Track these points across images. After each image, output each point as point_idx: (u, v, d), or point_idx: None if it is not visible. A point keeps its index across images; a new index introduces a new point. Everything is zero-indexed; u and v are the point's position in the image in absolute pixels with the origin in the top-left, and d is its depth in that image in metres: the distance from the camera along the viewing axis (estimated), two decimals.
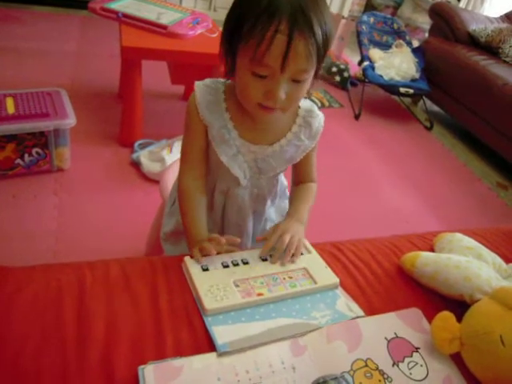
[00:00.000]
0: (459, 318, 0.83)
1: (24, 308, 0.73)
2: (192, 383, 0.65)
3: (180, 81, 2.35)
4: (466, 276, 0.89)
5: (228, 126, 0.91)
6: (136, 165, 2.01)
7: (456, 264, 0.92)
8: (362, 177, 2.45)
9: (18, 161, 1.83)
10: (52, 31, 3.22)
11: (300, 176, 1.05)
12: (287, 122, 0.95)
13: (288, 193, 1.15)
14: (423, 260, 0.96)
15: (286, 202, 1.15)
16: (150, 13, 2.14)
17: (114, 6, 2.12)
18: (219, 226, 1.06)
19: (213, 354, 0.70)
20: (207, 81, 0.93)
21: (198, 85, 0.92)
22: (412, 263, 0.97)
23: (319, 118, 0.99)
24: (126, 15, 2.06)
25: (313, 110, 0.98)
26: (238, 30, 0.77)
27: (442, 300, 0.90)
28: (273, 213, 1.13)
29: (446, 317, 0.83)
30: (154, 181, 1.92)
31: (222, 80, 0.94)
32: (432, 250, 1.08)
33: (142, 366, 0.65)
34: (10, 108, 1.79)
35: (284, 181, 1.13)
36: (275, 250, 0.89)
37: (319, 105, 3.04)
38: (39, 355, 0.66)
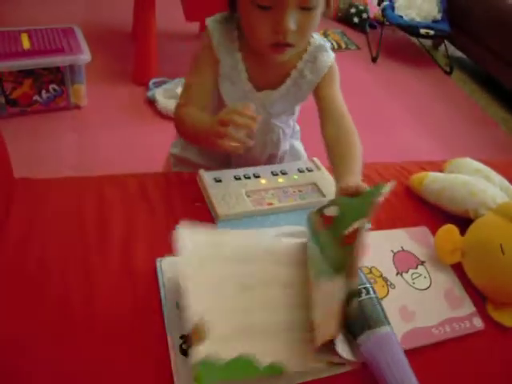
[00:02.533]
0: (463, 233, 0.86)
1: (48, 213, 0.78)
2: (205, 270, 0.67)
3: (194, 17, 2.31)
4: (472, 191, 0.91)
5: (238, 67, 0.86)
6: (151, 102, 2.03)
7: (463, 181, 0.94)
8: (377, 119, 2.43)
9: (36, 97, 1.86)
10: None
11: (327, 112, 0.90)
12: (292, 62, 0.88)
13: (299, 133, 1.12)
14: (431, 178, 0.98)
15: (299, 142, 1.13)
16: None
17: None
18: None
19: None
20: (218, 17, 0.86)
21: (212, 21, 0.86)
22: (420, 182, 0.99)
23: (328, 54, 0.90)
24: None
25: (323, 46, 0.90)
26: None
27: (448, 218, 0.93)
28: (288, 154, 1.09)
29: (449, 229, 0.86)
30: (169, 118, 1.94)
31: (233, 15, 0.85)
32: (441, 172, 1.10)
33: (160, 259, 0.70)
34: (26, 44, 1.80)
35: (296, 124, 1.09)
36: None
37: (336, 47, 2.99)
38: (63, 253, 0.71)
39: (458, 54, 3.30)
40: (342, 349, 0.60)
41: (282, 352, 0.59)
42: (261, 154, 1.01)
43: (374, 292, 0.67)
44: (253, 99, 0.88)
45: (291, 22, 0.71)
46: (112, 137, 1.85)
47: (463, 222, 0.89)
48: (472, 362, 0.71)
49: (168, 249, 0.73)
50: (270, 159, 1.04)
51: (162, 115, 1.98)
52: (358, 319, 0.63)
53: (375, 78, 2.83)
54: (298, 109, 1.00)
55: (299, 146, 1.14)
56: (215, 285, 0.63)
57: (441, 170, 1.11)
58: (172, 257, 0.70)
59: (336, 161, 0.83)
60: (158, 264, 0.69)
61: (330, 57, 0.90)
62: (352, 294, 0.59)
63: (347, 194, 0.70)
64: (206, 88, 0.87)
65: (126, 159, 1.75)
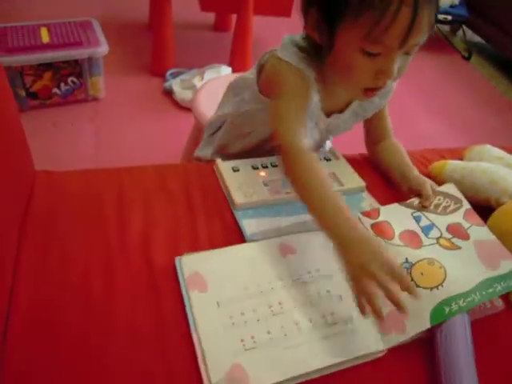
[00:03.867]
0: (485, 222, 0.85)
1: (68, 207, 0.79)
2: (223, 268, 0.70)
3: (210, 7, 2.31)
4: (493, 179, 0.89)
5: (315, 99, 0.80)
6: (168, 93, 2.04)
7: (483, 169, 0.92)
8: (395, 106, 2.39)
9: (55, 90, 1.88)
10: None
11: (378, 131, 0.98)
12: None
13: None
14: (451, 167, 0.97)
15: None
16: None
17: None
18: None
19: (243, 245, 0.74)
20: (295, 51, 0.78)
21: (287, 53, 0.77)
22: (440, 171, 0.98)
23: None
24: None
25: None
26: None
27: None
28: None
29: None
30: (186, 108, 1.95)
31: (304, 40, 0.79)
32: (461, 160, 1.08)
33: (179, 257, 0.70)
34: (45, 37, 1.82)
35: None
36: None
37: None
38: (84, 248, 0.72)
39: (477, 38, 3.23)
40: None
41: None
42: None
43: None
44: (320, 124, 0.88)
45: (396, 69, 0.69)
46: (130, 128, 1.87)
47: (485, 210, 0.87)
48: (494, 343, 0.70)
49: (188, 242, 0.74)
50: None
51: (179, 106, 1.99)
52: None
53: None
54: None
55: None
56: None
57: (461, 158, 1.09)
58: (191, 254, 0.71)
59: (393, 167, 0.92)
60: (177, 262, 0.69)
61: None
62: None
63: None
64: (304, 112, 0.78)
65: (144, 150, 1.76)
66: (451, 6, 2.99)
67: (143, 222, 0.76)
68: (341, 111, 0.88)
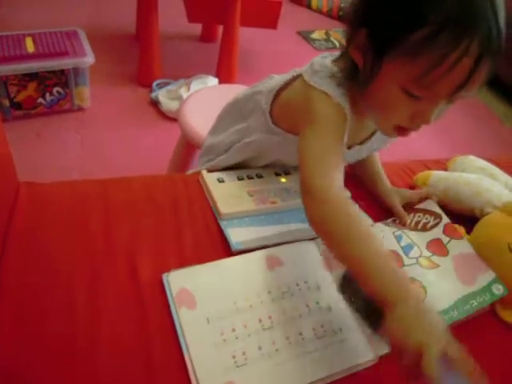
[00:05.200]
0: (469, 232, 0.86)
1: (52, 218, 0.78)
2: (211, 283, 0.69)
3: (197, 18, 2.32)
4: (477, 191, 0.91)
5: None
6: (155, 104, 2.04)
7: (466, 180, 0.93)
8: None
9: (40, 100, 1.87)
10: None
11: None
12: None
13: None
14: (435, 178, 0.98)
15: None
16: None
17: None
18: None
19: (230, 259, 0.74)
20: (329, 81, 0.70)
21: (321, 82, 0.70)
22: (424, 181, 0.99)
23: None
24: None
25: None
26: (402, 31, 0.57)
27: (454, 217, 0.92)
28: None
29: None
30: (172, 119, 1.95)
31: (335, 76, 0.71)
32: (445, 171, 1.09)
33: (166, 274, 0.69)
34: (30, 47, 1.81)
35: None
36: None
37: (338, 46, 2.98)
38: (69, 260, 0.71)
39: None
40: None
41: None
42: None
43: None
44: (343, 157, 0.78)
45: (434, 116, 0.64)
46: (115, 138, 1.86)
47: (469, 220, 0.88)
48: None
49: (174, 255, 0.74)
50: None
51: (165, 116, 1.99)
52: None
53: None
54: None
55: None
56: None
57: (445, 169, 1.11)
58: (178, 270, 0.70)
59: (375, 177, 0.94)
60: (164, 279, 0.69)
61: None
62: None
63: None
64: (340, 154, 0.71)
65: (130, 160, 1.76)
66: None
67: (129, 235, 0.76)
68: (361, 143, 0.82)
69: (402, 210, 0.89)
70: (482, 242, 0.82)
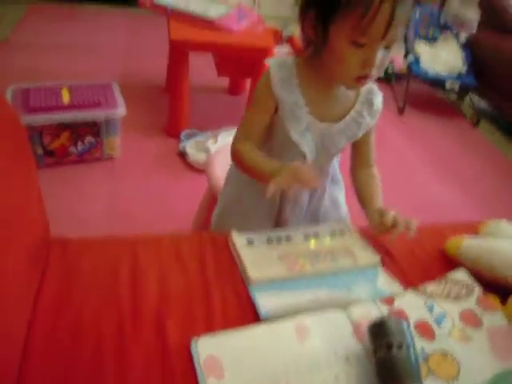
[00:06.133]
0: (504, 302, 0.84)
1: (83, 277, 0.79)
2: (239, 352, 0.68)
3: (225, 73, 2.40)
4: (511, 259, 0.88)
5: (299, 103, 0.91)
6: (182, 155, 2.08)
7: (500, 248, 0.91)
8: (404, 171, 2.43)
9: (72, 148, 1.92)
10: (102, 28, 3.34)
11: (362, 157, 1.05)
12: (351, 99, 0.96)
13: (342, 184, 1.15)
14: (468, 243, 0.96)
15: (340, 192, 1.15)
16: (197, 7, 2.19)
17: (163, 1, 2.19)
18: (278, 202, 1.05)
19: (259, 327, 0.73)
20: (277, 58, 0.93)
21: (272, 62, 0.92)
22: (457, 247, 0.97)
23: (379, 96, 0.99)
24: (174, 9, 2.12)
25: (374, 89, 0.98)
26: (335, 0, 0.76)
27: (486, 285, 0.90)
28: (326, 198, 1.12)
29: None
30: (199, 170, 1.98)
31: (290, 58, 0.94)
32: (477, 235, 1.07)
33: (194, 340, 0.69)
34: (66, 98, 1.88)
35: (337, 166, 1.12)
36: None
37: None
38: (97, 323, 0.71)
39: (484, 104, 3.30)
40: None
41: None
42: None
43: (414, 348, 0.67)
44: (314, 130, 0.94)
45: (379, 59, 0.80)
46: (143, 188, 1.89)
47: (503, 290, 0.86)
48: None
49: (202, 320, 0.73)
50: (312, 199, 1.07)
51: (192, 167, 2.02)
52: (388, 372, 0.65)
53: (402, 129, 2.84)
54: (342, 150, 1.03)
55: (342, 199, 1.16)
56: None
57: (476, 233, 1.09)
58: (206, 336, 0.70)
59: (363, 200, 1.01)
60: (193, 345, 0.68)
61: (381, 100, 0.99)
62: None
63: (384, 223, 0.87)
64: (262, 124, 0.95)
65: (156, 210, 1.78)
66: (459, 75, 3.07)
67: (158, 297, 0.76)
68: (335, 121, 0.96)
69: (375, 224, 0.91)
70: None
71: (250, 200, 1.06)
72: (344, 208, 1.17)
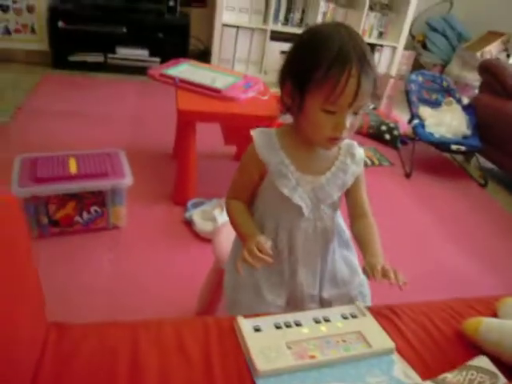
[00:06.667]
0: None
1: (79, 368, 0.75)
2: None
3: (232, 141, 2.43)
4: None
5: (285, 162, 1.00)
6: (188, 223, 2.05)
7: None
8: (414, 236, 2.39)
9: (77, 218, 1.91)
10: (113, 96, 3.43)
11: (356, 207, 1.11)
12: (334, 154, 1.05)
13: (351, 244, 1.18)
14: (487, 326, 0.91)
15: (351, 253, 1.17)
16: (204, 78, 2.25)
17: (171, 72, 2.26)
18: (287, 265, 1.08)
19: None
20: (259, 130, 1.04)
21: (255, 131, 1.03)
22: (475, 329, 0.92)
23: (359, 149, 1.08)
24: (182, 80, 2.17)
25: (353, 144, 1.08)
26: (309, 74, 0.88)
27: (507, 369, 0.84)
28: (341, 262, 1.15)
29: None
30: (205, 239, 1.95)
31: (269, 130, 1.05)
32: (494, 314, 1.02)
33: None
34: (73, 168, 1.89)
35: (346, 229, 1.16)
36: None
37: (369, 163, 3.04)
38: None
39: (490, 165, 3.30)
40: None
41: None
42: (315, 241, 1.08)
43: None
44: (305, 184, 1.02)
45: (348, 124, 0.91)
46: (148, 258, 1.85)
47: None
48: None
49: None
50: (324, 254, 1.11)
51: (199, 236, 1.99)
52: None
53: (410, 193, 2.83)
54: (339, 203, 1.09)
55: (356, 263, 1.17)
56: None
57: (493, 311, 1.04)
58: None
59: (361, 246, 1.06)
60: None
61: (361, 152, 1.08)
62: None
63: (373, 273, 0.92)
64: (248, 187, 1.06)
65: (162, 282, 1.73)
66: (464, 137, 3.10)
67: None
68: (321, 174, 1.04)
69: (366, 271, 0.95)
70: None
71: (262, 269, 1.03)
72: (360, 274, 1.14)
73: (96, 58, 3.86)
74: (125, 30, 3.84)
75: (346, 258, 1.16)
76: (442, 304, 1.06)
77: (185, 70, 2.35)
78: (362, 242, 1.07)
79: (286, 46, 3.81)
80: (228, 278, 1.15)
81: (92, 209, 1.92)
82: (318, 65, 0.87)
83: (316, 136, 0.96)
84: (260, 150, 1.00)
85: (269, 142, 1.02)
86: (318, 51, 0.89)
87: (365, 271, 0.97)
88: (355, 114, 0.92)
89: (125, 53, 3.89)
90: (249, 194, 1.07)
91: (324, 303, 1.11)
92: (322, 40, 0.89)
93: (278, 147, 1.01)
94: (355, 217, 1.11)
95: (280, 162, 1.00)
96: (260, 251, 0.90)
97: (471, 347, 0.91)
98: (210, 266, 1.47)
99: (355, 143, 1.09)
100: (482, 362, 0.83)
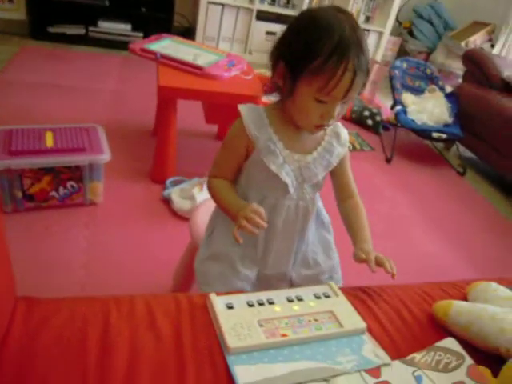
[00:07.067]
0: (495, 373, 0.79)
1: (48, 341, 0.73)
2: None
3: (214, 120, 2.40)
4: (502, 328, 0.84)
5: (273, 139, 1.00)
6: (167, 201, 2.04)
7: (491, 315, 0.87)
8: (393, 221, 2.41)
9: (53, 193, 1.87)
10: (93, 70, 3.36)
11: (342, 188, 1.13)
12: (320, 134, 1.05)
13: (331, 227, 1.20)
14: (456, 309, 0.92)
15: (329, 235, 1.19)
16: (187, 54, 2.21)
17: (153, 47, 2.21)
18: (263, 241, 1.09)
19: None
20: (248, 105, 1.03)
21: (243, 107, 1.01)
22: (445, 312, 0.93)
23: (344, 129, 1.10)
24: (164, 56, 2.13)
25: (338, 124, 1.09)
26: (305, 62, 0.87)
27: (476, 352, 0.86)
28: (317, 245, 1.17)
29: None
30: (183, 218, 1.93)
31: (258, 106, 1.04)
32: (465, 298, 1.04)
33: None
34: (49, 142, 1.85)
35: (325, 214, 1.18)
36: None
37: (351, 148, 3.04)
38: None
39: (470, 154, 3.34)
40: None
41: None
42: (295, 220, 1.08)
43: None
44: (292, 162, 1.02)
45: (337, 113, 0.92)
46: (125, 235, 1.83)
47: (495, 360, 0.82)
48: None
49: None
50: (302, 235, 1.12)
51: (176, 215, 1.97)
52: None
53: (390, 179, 2.85)
54: (322, 183, 1.10)
55: (331, 239, 1.20)
56: None
57: (464, 294, 1.05)
58: None
59: (350, 231, 1.10)
60: None
61: (346, 133, 1.09)
62: None
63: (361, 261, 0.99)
64: (233, 164, 1.05)
65: (137, 259, 1.72)
66: (445, 125, 3.12)
67: (127, 368, 0.70)
68: (309, 152, 1.05)
69: (359, 255, 1.01)
70: None
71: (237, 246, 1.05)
72: (335, 254, 1.19)
73: (77, 30, 3.77)
74: (107, 3, 3.75)
75: (323, 240, 1.17)
76: (415, 287, 1.07)
77: (167, 45, 2.31)
78: (350, 226, 1.10)
79: (273, 27, 3.83)
80: (202, 251, 1.15)
81: (68, 184, 1.88)
82: (315, 54, 0.86)
83: (302, 121, 0.97)
84: (249, 125, 0.99)
85: (258, 118, 1.00)
86: (316, 40, 0.86)
87: (357, 257, 1.00)
88: (344, 103, 0.93)
89: (107, 26, 3.81)
90: (233, 171, 1.06)
91: (293, 283, 1.13)
92: (322, 29, 0.87)
93: (266, 123, 1.00)
94: (342, 198, 1.13)
95: (268, 138, 0.99)
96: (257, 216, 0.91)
97: (441, 329, 0.92)
98: (186, 244, 1.46)
99: (339, 123, 1.09)
100: (450, 343, 0.85)
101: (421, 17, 4.89)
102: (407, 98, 3.20)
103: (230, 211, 1.00)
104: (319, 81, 0.86)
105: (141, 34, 3.85)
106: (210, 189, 1.08)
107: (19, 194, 1.82)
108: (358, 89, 0.91)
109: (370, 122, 3.43)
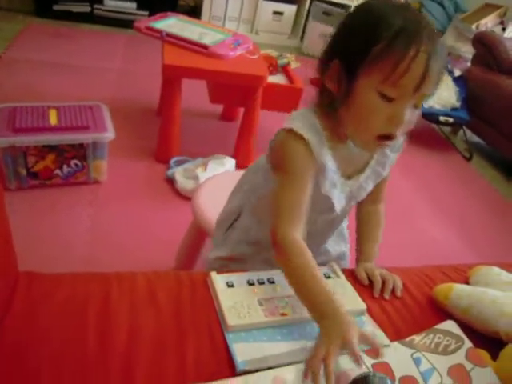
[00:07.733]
0: (494, 357, 0.79)
1: (48, 315, 0.74)
2: None
3: (219, 100, 2.38)
4: (503, 311, 0.84)
5: (333, 168, 0.85)
6: (170, 181, 2.04)
7: (492, 298, 0.87)
8: (397, 205, 2.40)
9: (57, 171, 1.88)
10: (98, 48, 3.34)
11: (374, 194, 1.00)
12: None
13: (347, 237, 1.13)
14: (457, 292, 0.92)
15: (344, 245, 1.13)
16: (192, 33, 2.19)
17: (158, 25, 2.19)
18: None
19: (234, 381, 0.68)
20: (300, 118, 0.83)
21: (297, 124, 0.80)
22: (445, 295, 0.93)
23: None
24: (169, 34, 2.11)
25: None
26: (366, 47, 0.71)
27: (475, 335, 0.86)
28: (332, 248, 1.09)
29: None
30: (186, 198, 1.93)
31: (310, 115, 0.84)
32: (466, 282, 1.03)
33: None
34: (53, 119, 1.85)
35: (346, 228, 1.12)
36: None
37: None
38: (58, 368, 0.66)
39: (477, 139, 3.31)
40: None
41: None
42: (328, 230, 1.02)
43: None
44: (343, 189, 0.90)
45: (407, 117, 0.74)
46: (128, 214, 1.84)
47: (494, 343, 0.82)
48: None
49: (173, 370, 0.68)
50: (327, 236, 1.05)
51: (180, 194, 1.98)
52: None
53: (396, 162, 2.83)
54: None
55: (348, 254, 1.14)
56: None
57: (466, 278, 1.05)
58: None
59: (363, 237, 1.01)
60: None
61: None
62: None
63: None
64: (306, 200, 0.81)
65: (139, 238, 1.73)
66: (452, 109, 3.08)
67: (126, 343, 0.70)
68: (360, 172, 0.91)
69: (362, 275, 0.93)
70: (508, 376, 0.75)
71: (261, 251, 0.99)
72: (347, 244, 1.15)
73: (82, 8, 3.73)
74: None
75: (338, 250, 1.11)
76: (416, 270, 1.07)
77: (173, 24, 2.28)
78: (361, 231, 1.03)
79: (280, 7, 3.77)
80: (218, 248, 1.05)
81: (72, 162, 1.89)
82: (378, 36, 0.70)
83: (363, 131, 0.78)
84: (317, 151, 0.80)
85: (319, 140, 0.81)
86: (376, 24, 0.71)
87: (360, 276, 0.93)
88: (416, 107, 0.75)
89: (112, 4, 3.77)
90: (306, 210, 0.82)
91: None
92: (382, 13, 0.72)
93: (327, 146, 0.82)
94: (367, 202, 1.02)
95: (331, 168, 0.84)
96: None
97: (441, 312, 0.92)
98: (189, 224, 1.46)
99: None
100: (449, 325, 0.85)
101: None
102: None
103: (315, 306, 0.75)
104: (384, 67, 0.70)
105: (146, 13, 3.81)
106: (279, 245, 0.79)
107: (23, 172, 1.82)
108: (435, 79, 0.72)
109: None
